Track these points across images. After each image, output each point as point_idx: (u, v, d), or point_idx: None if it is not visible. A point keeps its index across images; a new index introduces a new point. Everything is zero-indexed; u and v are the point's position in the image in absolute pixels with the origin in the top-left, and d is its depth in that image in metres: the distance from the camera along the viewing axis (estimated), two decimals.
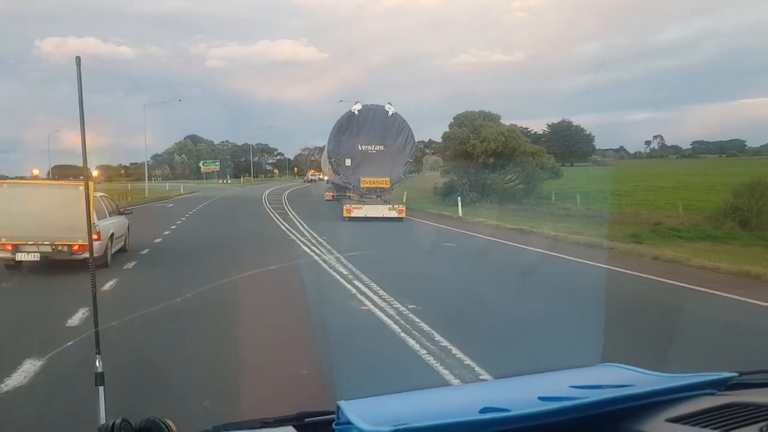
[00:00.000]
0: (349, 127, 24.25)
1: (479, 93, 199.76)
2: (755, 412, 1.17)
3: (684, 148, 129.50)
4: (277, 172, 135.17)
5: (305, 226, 19.78)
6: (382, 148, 24.14)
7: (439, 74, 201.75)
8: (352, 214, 22.48)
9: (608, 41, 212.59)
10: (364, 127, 24.16)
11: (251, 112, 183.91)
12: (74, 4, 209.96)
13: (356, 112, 24.27)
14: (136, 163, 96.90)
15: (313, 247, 14.36)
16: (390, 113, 24.34)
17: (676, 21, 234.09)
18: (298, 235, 16.83)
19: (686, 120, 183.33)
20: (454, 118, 43.43)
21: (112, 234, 11.81)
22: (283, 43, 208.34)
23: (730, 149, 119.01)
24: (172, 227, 19.75)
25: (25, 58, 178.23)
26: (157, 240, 16.11)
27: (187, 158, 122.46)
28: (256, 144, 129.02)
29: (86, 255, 10.18)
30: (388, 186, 24.21)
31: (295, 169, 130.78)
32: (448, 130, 42.82)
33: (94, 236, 10.39)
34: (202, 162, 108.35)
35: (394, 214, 22.70)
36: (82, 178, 16.54)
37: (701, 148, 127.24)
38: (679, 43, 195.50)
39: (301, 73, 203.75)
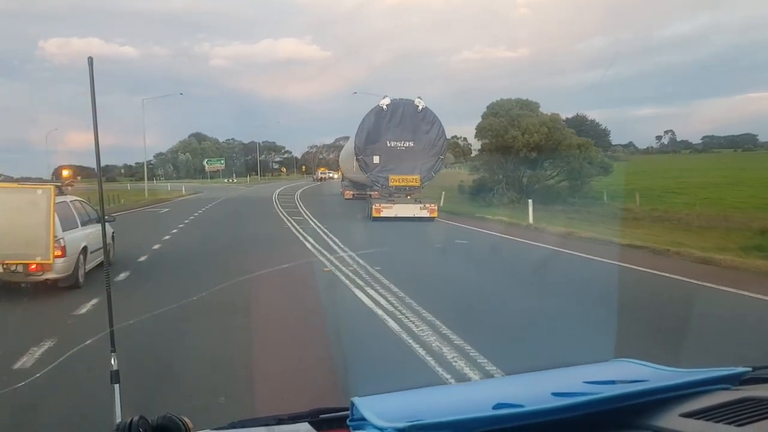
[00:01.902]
0: (376, 122, 22.68)
1: (484, 89, 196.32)
2: None
3: (694, 143, 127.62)
4: (284, 170, 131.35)
5: (338, 242, 14.38)
6: (411, 144, 22.62)
7: (443, 71, 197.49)
8: (382, 214, 21.14)
9: (613, 36, 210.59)
10: (393, 123, 22.60)
11: (256, 110, 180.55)
12: (77, 4, 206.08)
13: (384, 107, 22.62)
14: (141, 163, 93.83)
15: (370, 289, 8.53)
16: (420, 107, 22.72)
17: (680, 16, 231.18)
18: (338, 264, 11.13)
19: (693, 115, 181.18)
20: (487, 107, 38.57)
21: (85, 247, 9.88)
22: (286, 41, 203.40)
23: (743, 143, 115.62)
24: (155, 247, 14.13)
25: (29, 59, 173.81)
26: (121, 276, 10.34)
27: (192, 157, 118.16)
28: (263, 142, 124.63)
29: (47, 276, 8.80)
30: (418, 184, 22.49)
31: (303, 167, 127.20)
32: (481, 120, 37.84)
33: (57, 252, 8.76)
34: (206, 160, 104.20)
35: (425, 213, 21.45)
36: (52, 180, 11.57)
37: (712, 143, 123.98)
38: (684, 38, 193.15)
39: (305, 71, 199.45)
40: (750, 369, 1.39)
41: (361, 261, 11.39)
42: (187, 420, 1.26)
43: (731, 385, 1.32)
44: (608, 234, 15.21)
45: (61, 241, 8.87)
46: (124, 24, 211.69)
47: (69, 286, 9.22)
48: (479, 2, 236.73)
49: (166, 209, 29.85)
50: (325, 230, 17.45)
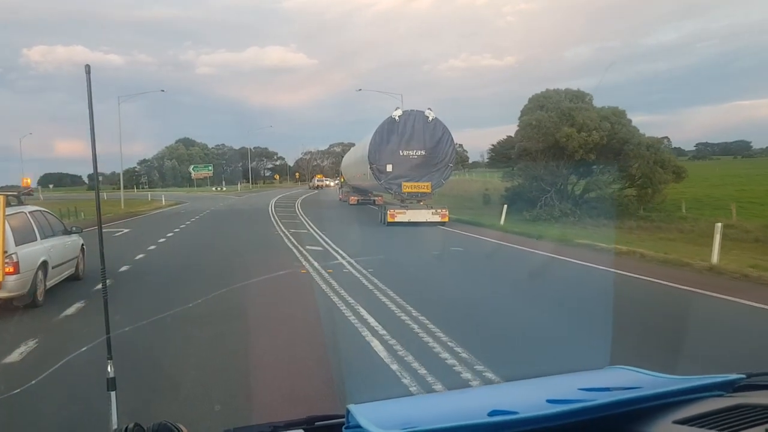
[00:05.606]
0: (389, 132, 23.95)
1: (471, 97, 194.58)
2: (762, 414, 1.14)
3: (687, 149, 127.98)
4: (278, 177, 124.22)
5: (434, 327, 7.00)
6: (422, 153, 23.83)
7: (430, 78, 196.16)
8: (396, 219, 22.52)
9: (599, 45, 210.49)
10: (405, 133, 23.88)
11: (245, 118, 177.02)
12: (61, 12, 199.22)
13: (397, 118, 23.98)
14: (127, 170, 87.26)
15: None
16: (430, 118, 23.93)
17: (664, 25, 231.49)
18: None
19: (683, 123, 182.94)
20: (529, 99, 31.82)
21: (45, 262, 8.77)
22: (272, 49, 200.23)
23: (737, 150, 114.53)
24: (32, 341, 6.47)
25: (13, 67, 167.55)
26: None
27: (179, 163, 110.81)
28: (254, 148, 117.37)
29: None
30: (429, 191, 23.83)
31: (297, 174, 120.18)
32: (521, 116, 31.01)
33: (9, 269, 7.80)
34: (192, 167, 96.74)
35: (437, 218, 22.75)
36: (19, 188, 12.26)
37: (706, 150, 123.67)
38: (669, 46, 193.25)
39: (292, 79, 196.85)
40: (744, 376, 1.36)
41: None
42: (182, 427, 1.22)
43: (725, 392, 1.29)
44: None
45: (14, 256, 7.98)
46: (110, 32, 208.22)
47: (25, 305, 8.20)
48: (466, 11, 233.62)
49: (126, 230, 22.09)
50: (381, 285, 10.33)
